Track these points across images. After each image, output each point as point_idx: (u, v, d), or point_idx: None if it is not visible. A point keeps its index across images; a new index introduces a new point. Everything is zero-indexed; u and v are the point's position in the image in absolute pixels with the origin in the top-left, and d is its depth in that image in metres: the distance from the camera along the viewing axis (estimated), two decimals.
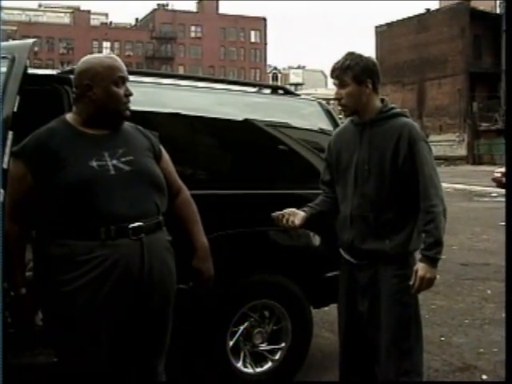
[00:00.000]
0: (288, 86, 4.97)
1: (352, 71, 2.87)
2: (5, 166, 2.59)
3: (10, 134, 2.73)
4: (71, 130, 2.46)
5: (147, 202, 2.44)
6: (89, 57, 2.55)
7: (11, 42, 3.30)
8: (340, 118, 3.99)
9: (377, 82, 2.95)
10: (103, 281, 2.30)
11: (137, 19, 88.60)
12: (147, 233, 2.39)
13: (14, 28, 68.13)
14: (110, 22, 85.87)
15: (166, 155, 2.69)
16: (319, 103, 4.32)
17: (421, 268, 2.78)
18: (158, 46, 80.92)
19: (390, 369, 2.92)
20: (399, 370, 2.89)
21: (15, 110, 2.74)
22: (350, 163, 2.96)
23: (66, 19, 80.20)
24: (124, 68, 2.51)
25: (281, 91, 4.27)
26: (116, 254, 2.31)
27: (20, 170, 2.37)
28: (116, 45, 79.14)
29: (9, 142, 2.71)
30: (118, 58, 2.52)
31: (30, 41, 2.99)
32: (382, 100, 3.00)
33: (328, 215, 3.11)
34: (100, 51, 75.69)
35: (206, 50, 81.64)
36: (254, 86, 4.45)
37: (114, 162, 2.41)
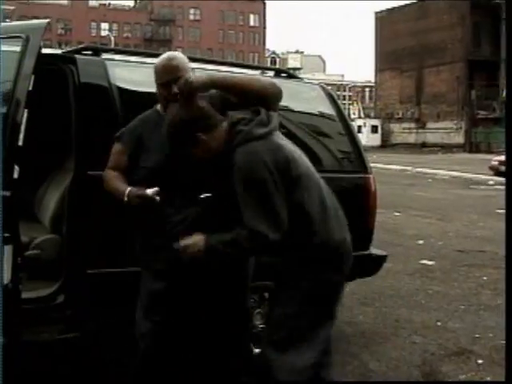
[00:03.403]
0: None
1: None
2: (20, 143, 2.73)
3: (26, 113, 2.79)
4: (158, 116, 2.80)
5: None
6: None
7: (25, 22, 3.34)
8: (343, 104, 4.01)
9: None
10: None
11: (135, 1, 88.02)
12: None
13: (12, 8, 67.56)
14: (109, 4, 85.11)
15: None
16: (321, 87, 4.34)
17: (197, 239, 2.57)
18: (156, 28, 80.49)
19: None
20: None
21: (30, 88, 2.80)
22: None
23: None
24: None
25: (284, 75, 4.28)
26: None
27: (119, 149, 2.85)
28: (114, 26, 78.73)
29: (24, 120, 2.75)
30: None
31: (44, 21, 3.04)
32: None
33: None
34: (98, 33, 75.40)
35: (205, 32, 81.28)
36: (257, 68, 4.46)
37: None
